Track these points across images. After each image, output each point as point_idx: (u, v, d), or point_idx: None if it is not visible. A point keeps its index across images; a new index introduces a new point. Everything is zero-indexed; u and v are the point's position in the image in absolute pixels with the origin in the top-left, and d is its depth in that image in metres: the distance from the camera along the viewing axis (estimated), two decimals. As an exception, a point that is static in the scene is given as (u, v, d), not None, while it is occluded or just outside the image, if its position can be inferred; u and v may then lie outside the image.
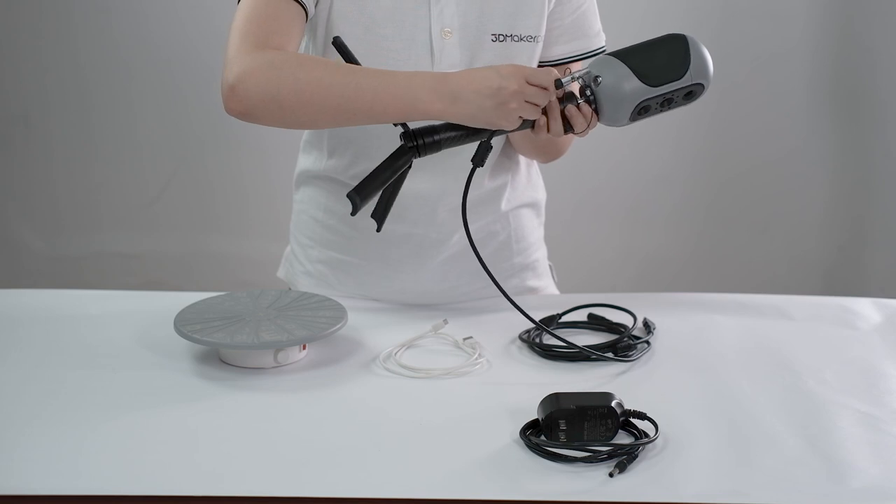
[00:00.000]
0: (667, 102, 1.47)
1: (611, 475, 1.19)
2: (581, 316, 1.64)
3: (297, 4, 1.54)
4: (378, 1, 1.59)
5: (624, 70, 1.44)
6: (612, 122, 1.47)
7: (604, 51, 1.73)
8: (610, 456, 1.22)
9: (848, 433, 1.30)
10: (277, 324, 1.49)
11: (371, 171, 1.46)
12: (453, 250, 1.74)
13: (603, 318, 1.62)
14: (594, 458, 1.22)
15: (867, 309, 1.69)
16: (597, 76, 1.45)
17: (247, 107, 1.46)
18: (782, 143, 3.23)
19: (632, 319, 1.60)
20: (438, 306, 1.72)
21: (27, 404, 1.37)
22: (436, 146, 1.47)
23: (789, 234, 3.29)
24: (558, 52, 1.71)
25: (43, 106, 3.27)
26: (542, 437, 1.25)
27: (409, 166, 1.49)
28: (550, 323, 1.60)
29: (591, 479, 1.19)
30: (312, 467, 1.22)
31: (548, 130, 1.48)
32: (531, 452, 1.24)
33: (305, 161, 1.80)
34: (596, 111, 1.48)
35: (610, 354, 1.49)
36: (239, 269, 3.27)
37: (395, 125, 1.46)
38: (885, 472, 1.21)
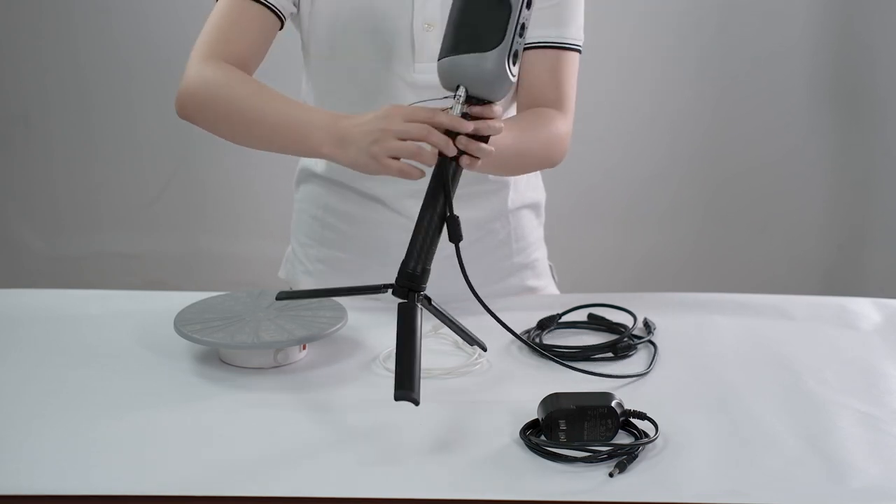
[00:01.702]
0: (522, 29, 1.32)
1: (611, 475, 1.19)
2: (581, 316, 1.64)
3: (267, 10, 1.57)
4: None
5: (470, 58, 1.30)
6: (506, 91, 1.34)
7: (577, 48, 1.67)
8: (610, 456, 1.22)
9: (848, 433, 1.30)
10: (277, 324, 1.49)
11: (399, 352, 1.27)
12: (451, 250, 1.74)
13: (603, 318, 1.62)
14: (594, 458, 1.22)
15: (867, 309, 1.69)
16: (458, 86, 1.32)
17: (186, 114, 1.54)
18: (782, 142, 3.23)
19: (632, 319, 1.60)
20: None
21: (27, 404, 1.37)
22: (426, 275, 1.34)
23: (789, 234, 3.29)
24: (532, 36, 1.64)
25: (43, 106, 3.26)
26: (542, 437, 1.25)
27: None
28: (551, 323, 1.60)
29: (591, 479, 1.19)
30: (313, 467, 1.22)
31: (467, 162, 1.35)
32: (531, 452, 1.24)
33: (306, 159, 1.80)
34: (488, 101, 1.34)
35: (647, 364, 1.49)
36: (239, 269, 3.27)
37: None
38: (885, 472, 1.21)
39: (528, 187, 1.82)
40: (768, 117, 3.22)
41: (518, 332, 1.57)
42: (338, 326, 1.49)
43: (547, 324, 1.59)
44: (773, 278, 3.25)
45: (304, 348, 1.50)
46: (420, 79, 1.62)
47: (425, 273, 1.32)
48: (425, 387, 1.40)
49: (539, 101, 1.65)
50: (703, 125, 3.24)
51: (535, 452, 1.24)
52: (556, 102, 1.65)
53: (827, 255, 3.31)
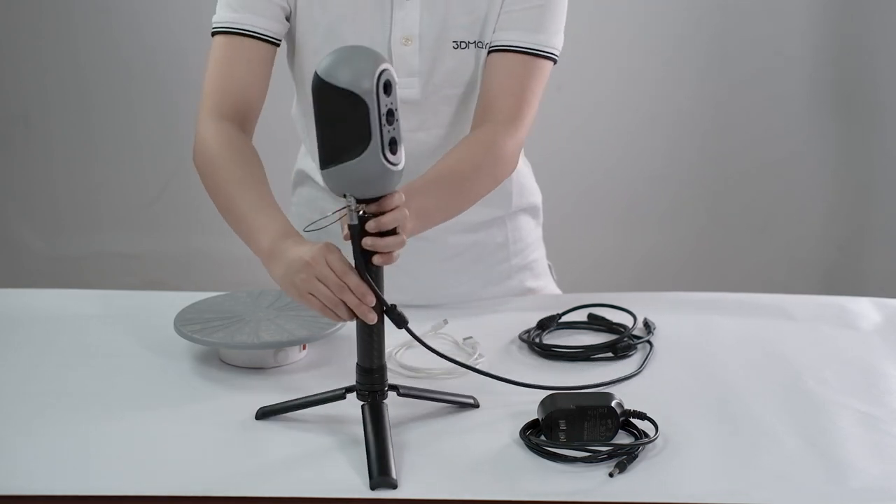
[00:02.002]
0: (390, 116, 1.24)
1: (611, 475, 1.19)
2: (581, 316, 1.64)
3: (259, 42, 1.57)
4: (340, 6, 1.58)
5: (346, 167, 1.22)
6: (396, 182, 1.26)
7: (551, 56, 1.59)
8: (610, 456, 1.22)
9: (848, 433, 1.30)
10: (277, 324, 1.49)
11: (369, 445, 1.24)
12: (450, 253, 1.74)
13: (603, 318, 1.62)
14: (594, 458, 1.22)
15: (867, 309, 1.69)
16: (344, 195, 1.25)
17: (196, 169, 1.56)
18: (782, 143, 3.22)
19: (632, 319, 1.60)
20: (438, 307, 1.72)
21: (27, 404, 1.37)
22: (384, 370, 1.29)
23: (789, 234, 3.29)
24: (502, 38, 1.59)
25: (43, 106, 3.26)
26: (542, 437, 1.25)
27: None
28: (551, 323, 1.60)
29: (591, 479, 1.19)
30: (312, 467, 1.22)
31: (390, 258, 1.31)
32: (531, 453, 1.24)
33: (303, 162, 1.80)
34: (374, 200, 1.26)
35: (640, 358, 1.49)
36: (239, 269, 3.25)
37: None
38: (885, 472, 1.21)
39: (524, 193, 1.80)
40: (768, 118, 3.21)
41: (518, 332, 1.58)
42: (338, 326, 1.49)
43: (547, 324, 1.59)
44: (774, 279, 3.26)
45: (304, 348, 1.50)
46: (399, 94, 1.58)
47: (383, 369, 1.29)
48: (426, 386, 1.40)
49: (494, 106, 1.58)
50: (703, 126, 3.23)
51: (535, 452, 1.24)
52: (511, 110, 1.57)
53: (827, 256, 3.31)
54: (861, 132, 3.22)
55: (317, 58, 1.60)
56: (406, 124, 1.46)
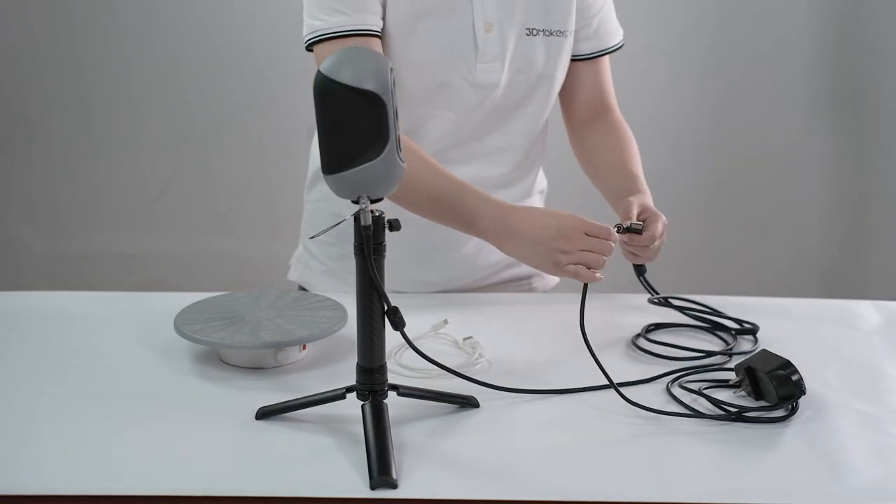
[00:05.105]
0: (395, 114, 1.22)
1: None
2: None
3: (374, 38, 1.61)
4: None
5: (364, 170, 1.20)
6: (400, 179, 1.24)
7: (621, 46, 1.84)
8: None
9: (848, 433, 1.30)
10: (277, 324, 1.49)
11: (369, 445, 1.23)
12: (465, 242, 1.75)
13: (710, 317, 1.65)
14: None
15: (867, 311, 1.69)
16: (359, 197, 1.21)
17: None
18: (782, 143, 3.23)
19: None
20: (447, 295, 1.72)
21: (27, 404, 1.37)
22: (385, 370, 1.29)
23: (789, 234, 3.29)
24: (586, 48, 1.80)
25: (43, 106, 3.27)
26: None
27: None
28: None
29: (591, 478, 1.19)
30: (312, 467, 1.22)
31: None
32: (532, 453, 1.24)
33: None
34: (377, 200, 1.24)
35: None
36: (239, 269, 3.27)
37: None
38: (885, 472, 1.21)
39: (540, 176, 1.90)
40: (768, 118, 3.22)
41: (518, 331, 1.58)
42: (338, 326, 1.49)
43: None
44: (773, 279, 3.25)
45: (304, 348, 1.50)
46: (481, 78, 1.68)
47: (383, 369, 1.28)
48: (425, 386, 1.41)
49: (604, 101, 1.86)
50: (703, 126, 3.23)
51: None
52: (612, 99, 1.88)
53: (827, 257, 3.31)
54: (861, 133, 3.22)
55: (396, 49, 1.64)
56: (477, 101, 1.68)
